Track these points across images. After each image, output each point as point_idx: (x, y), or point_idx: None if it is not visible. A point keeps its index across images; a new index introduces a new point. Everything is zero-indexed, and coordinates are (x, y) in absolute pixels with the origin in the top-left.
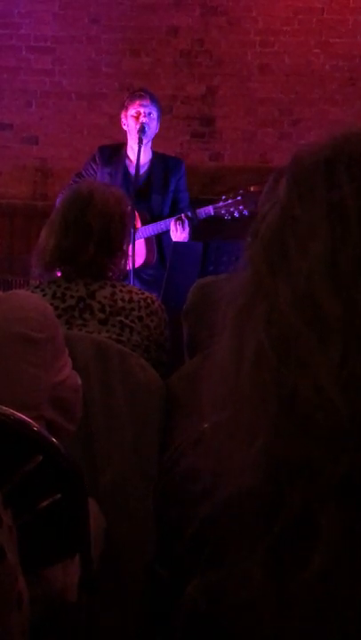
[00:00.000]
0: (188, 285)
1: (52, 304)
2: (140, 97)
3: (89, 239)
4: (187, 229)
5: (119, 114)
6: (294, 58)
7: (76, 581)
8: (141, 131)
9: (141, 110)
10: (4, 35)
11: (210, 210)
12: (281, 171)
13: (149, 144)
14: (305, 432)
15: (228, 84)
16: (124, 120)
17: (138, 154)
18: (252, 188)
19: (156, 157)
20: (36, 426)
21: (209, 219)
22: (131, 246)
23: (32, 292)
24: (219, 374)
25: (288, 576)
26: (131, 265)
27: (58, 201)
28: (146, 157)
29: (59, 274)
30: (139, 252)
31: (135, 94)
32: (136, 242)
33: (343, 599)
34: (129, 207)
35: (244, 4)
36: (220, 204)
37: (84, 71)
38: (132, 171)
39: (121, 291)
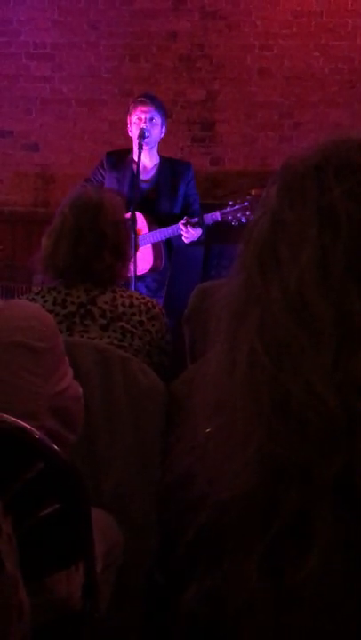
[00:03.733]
0: (189, 290)
1: (52, 310)
2: (141, 102)
3: (104, 246)
4: (197, 229)
5: (119, 119)
6: (294, 61)
7: (79, 589)
8: (141, 136)
9: (142, 116)
10: (4, 42)
11: (217, 216)
12: (274, 178)
13: (155, 149)
14: (299, 434)
15: (227, 89)
16: (129, 126)
17: (138, 159)
18: (253, 192)
19: (164, 162)
20: (37, 433)
21: (214, 223)
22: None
23: (32, 298)
24: (213, 379)
25: (284, 577)
26: (133, 271)
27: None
28: (152, 162)
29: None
30: (146, 258)
31: (137, 100)
32: (143, 247)
33: (339, 598)
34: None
35: (243, 9)
36: (228, 209)
37: (84, 77)
38: (141, 176)
39: (122, 296)
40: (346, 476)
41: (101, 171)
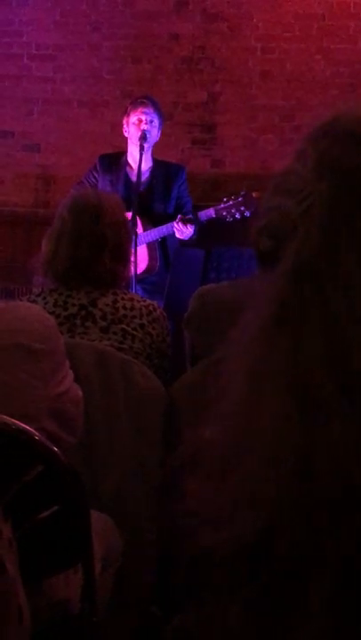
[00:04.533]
0: (189, 292)
1: (53, 312)
2: (143, 104)
3: (104, 249)
4: (191, 227)
5: (121, 121)
6: (295, 64)
7: (78, 592)
8: (143, 138)
9: (143, 117)
10: (6, 43)
11: (211, 212)
12: (311, 141)
13: (150, 151)
14: (316, 502)
15: (229, 91)
16: (125, 127)
17: (139, 161)
18: (253, 194)
19: (157, 165)
20: (37, 435)
21: (211, 224)
22: (132, 253)
23: (33, 300)
24: (230, 416)
25: (271, 633)
26: (133, 271)
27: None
28: (147, 165)
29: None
30: (141, 258)
31: (137, 101)
32: (138, 248)
33: None
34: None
35: (244, 11)
36: (222, 205)
37: (86, 78)
38: (133, 178)
39: (122, 298)
40: (356, 557)
41: (94, 174)
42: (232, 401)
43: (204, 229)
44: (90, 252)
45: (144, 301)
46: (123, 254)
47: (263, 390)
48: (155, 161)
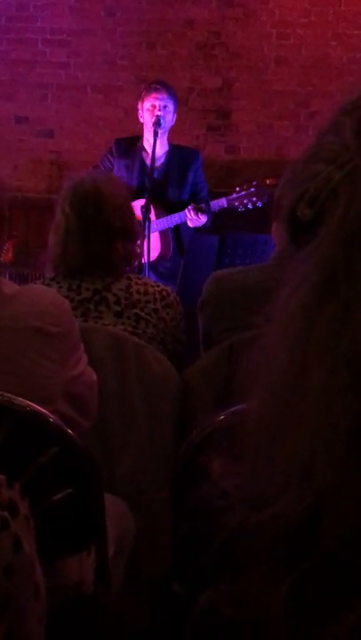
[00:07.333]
0: (203, 278)
1: (67, 296)
2: (156, 90)
3: (114, 237)
4: (204, 215)
5: (135, 106)
6: (311, 50)
7: (92, 574)
8: (157, 123)
9: (156, 103)
10: (21, 28)
11: (223, 202)
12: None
13: (165, 136)
14: None
15: (244, 77)
16: (140, 112)
17: (153, 146)
18: (268, 181)
19: (173, 149)
20: (52, 417)
21: (225, 211)
22: (146, 240)
23: (47, 284)
24: (272, 388)
25: (312, 623)
26: (146, 258)
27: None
28: (162, 150)
29: None
30: (154, 246)
31: (151, 87)
32: (151, 235)
33: None
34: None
35: None
36: (234, 195)
37: (100, 64)
38: (149, 163)
39: (136, 283)
40: None
41: (110, 158)
42: (275, 374)
43: (218, 216)
44: (101, 245)
45: (158, 286)
46: (132, 233)
47: (310, 361)
48: (170, 146)
